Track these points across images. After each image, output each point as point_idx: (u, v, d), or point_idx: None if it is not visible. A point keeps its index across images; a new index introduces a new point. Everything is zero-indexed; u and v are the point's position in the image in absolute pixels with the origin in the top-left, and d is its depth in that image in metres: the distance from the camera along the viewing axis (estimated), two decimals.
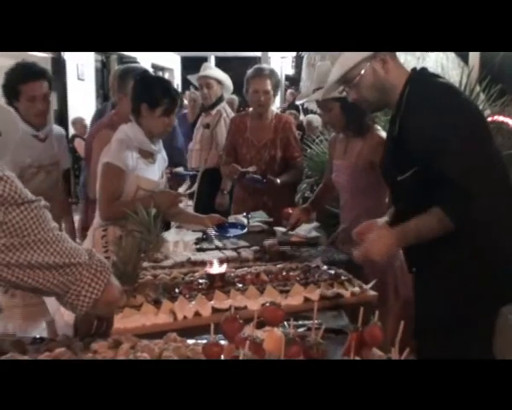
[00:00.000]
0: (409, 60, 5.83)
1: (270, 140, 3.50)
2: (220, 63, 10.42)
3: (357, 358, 1.21)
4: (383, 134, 2.54)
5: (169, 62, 13.52)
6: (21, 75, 2.66)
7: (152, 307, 1.76)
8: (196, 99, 6.30)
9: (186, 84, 6.52)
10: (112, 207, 2.44)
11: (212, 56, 12.56)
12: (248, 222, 3.04)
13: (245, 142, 3.57)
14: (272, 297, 1.84)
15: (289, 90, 11.92)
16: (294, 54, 11.52)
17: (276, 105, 5.41)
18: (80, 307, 1.26)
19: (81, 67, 9.57)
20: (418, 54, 6.47)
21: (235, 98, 6.51)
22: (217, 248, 2.60)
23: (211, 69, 4.56)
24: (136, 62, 6.77)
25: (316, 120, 6.52)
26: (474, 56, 5.07)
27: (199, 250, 2.56)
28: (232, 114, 4.36)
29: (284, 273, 2.12)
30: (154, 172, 2.60)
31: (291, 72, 13.32)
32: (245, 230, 2.85)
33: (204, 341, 1.28)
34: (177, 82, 13.02)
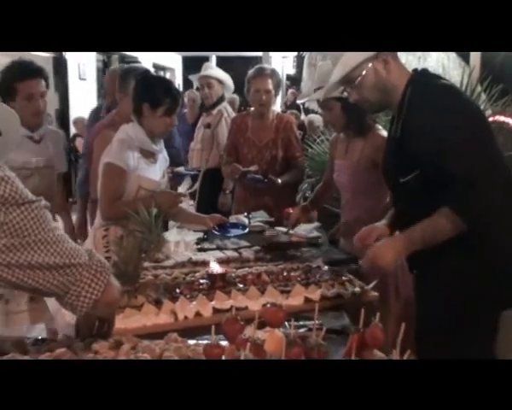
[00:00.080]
0: (410, 60, 5.84)
1: (272, 140, 3.51)
2: (221, 63, 10.41)
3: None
4: (384, 133, 2.54)
5: (170, 62, 13.52)
6: (18, 73, 2.60)
7: (153, 308, 1.76)
8: (195, 99, 6.30)
9: (187, 83, 6.51)
10: (113, 208, 2.44)
11: (213, 56, 12.55)
12: (249, 222, 3.04)
13: (246, 142, 3.56)
14: (273, 298, 1.84)
15: (290, 90, 11.91)
16: (296, 54, 11.52)
17: (277, 105, 5.40)
18: (80, 307, 1.26)
19: (82, 66, 9.57)
20: (419, 54, 6.47)
21: (237, 98, 6.51)
22: (218, 248, 2.60)
23: (212, 69, 4.56)
24: (137, 62, 6.78)
25: (317, 119, 6.51)
26: (475, 56, 5.07)
27: (200, 250, 2.56)
28: (233, 114, 4.36)
29: (285, 274, 2.12)
30: (156, 171, 2.60)
31: (292, 71, 13.31)
32: (246, 230, 2.85)
33: (205, 341, 1.28)
34: (178, 82, 13.02)
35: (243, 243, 2.65)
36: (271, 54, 11.89)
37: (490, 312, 1.73)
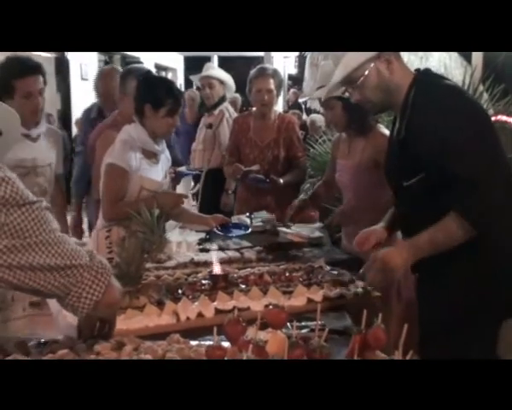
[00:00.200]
0: (412, 60, 5.82)
1: (274, 140, 3.51)
2: (223, 63, 10.41)
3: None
4: (386, 132, 2.53)
5: (172, 62, 13.52)
6: (17, 70, 2.50)
7: (155, 309, 1.75)
8: (195, 98, 6.30)
9: (189, 84, 6.52)
10: (115, 208, 2.44)
11: (215, 56, 12.55)
12: (251, 222, 3.04)
13: (248, 142, 3.56)
14: (275, 298, 1.84)
15: (292, 90, 11.91)
16: (297, 53, 11.51)
17: (279, 105, 5.41)
18: (81, 309, 1.26)
19: (84, 66, 9.58)
20: (421, 53, 6.45)
21: (239, 97, 6.51)
22: (220, 248, 2.59)
23: (213, 69, 4.56)
24: (139, 62, 6.78)
25: (319, 119, 6.51)
26: (477, 56, 5.05)
27: (202, 251, 2.56)
28: (235, 114, 4.36)
29: (287, 274, 2.12)
30: (158, 172, 2.60)
31: (294, 71, 13.30)
32: (248, 230, 2.84)
33: (207, 342, 1.28)
34: (180, 82, 13.03)
35: (245, 243, 2.65)
36: (273, 54, 11.87)
37: (492, 313, 1.72)
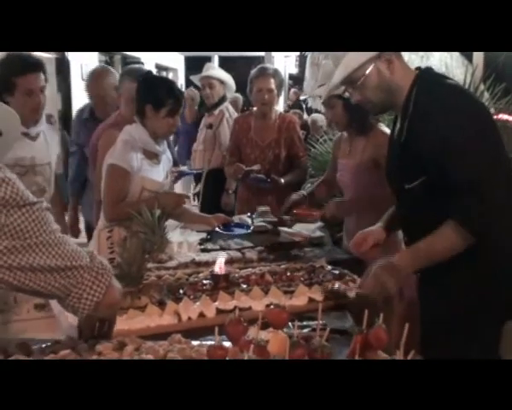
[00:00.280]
0: (413, 59, 5.82)
1: (274, 140, 3.51)
2: (224, 63, 10.41)
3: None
4: (386, 131, 2.53)
5: (173, 62, 13.52)
6: (18, 67, 2.44)
7: (156, 309, 1.75)
8: (194, 97, 6.30)
9: (190, 84, 6.53)
10: (116, 209, 2.44)
11: (215, 56, 12.55)
12: (252, 222, 3.04)
13: (249, 142, 3.57)
14: (277, 298, 1.84)
15: (293, 90, 11.90)
16: (298, 53, 11.50)
17: (280, 105, 5.41)
18: (82, 309, 1.26)
19: (85, 67, 9.54)
20: (422, 53, 6.45)
21: (240, 97, 6.51)
22: (221, 248, 2.59)
23: (213, 69, 4.57)
24: (140, 63, 6.78)
25: (320, 119, 6.51)
26: (478, 55, 5.04)
27: (203, 251, 2.56)
28: (235, 114, 4.37)
29: (289, 274, 2.12)
30: (159, 172, 2.60)
31: (295, 71, 13.29)
32: (250, 229, 2.85)
33: (209, 342, 1.28)
34: (180, 82, 13.03)
35: (246, 243, 2.65)
36: (274, 53, 11.87)
37: (493, 313, 1.71)
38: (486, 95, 4.39)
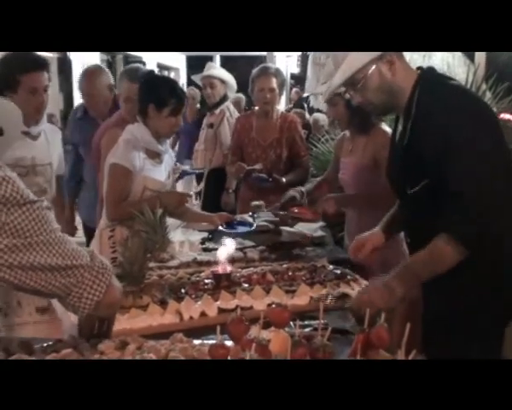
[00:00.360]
0: (415, 58, 5.81)
1: (276, 139, 3.51)
2: (225, 62, 10.42)
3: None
4: (387, 130, 2.52)
5: (174, 62, 13.52)
6: (23, 64, 2.40)
7: (158, 308, 1.76)
8: (195, 96, 6.30)
9: (192, 83, 6.53)
10: (119, 208, 2.44)
11: (217, 56, 12.55)
12: (254, 222, 3.04)
13: (251, 141, 3.57)
14: (278, 297, 1.84)
15: (294, 89, 11.90)
16: (300, 53, 11.49)
17: (281, 105, 5.41)
18: (82, 308, 1.26)
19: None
20: (424, 52, 6.44)
21: (243, 97, 6.51)
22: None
23: (214, 69, 4.57)
24: (141, 62, 6.78)
25: (322, 118, 6.51)
26: (480, 54, 5.04)
27: (205, 250, 2.57)
28: (236, 113, 4.37)
29: (290, 273, 2.12)
30: (161, 172, 2.60)
31: (296, 70, 13.29)
32: (253, 227, 2.86)
33: (210, 341, 1.28)
34: (182, 81, 13.03)
35: (248, 242, 2.65)
36: (275, 53, 11.86)
37: (494, 313, 1.70)
38: (488, 94, 4.38)
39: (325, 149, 4.79)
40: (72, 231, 3.58)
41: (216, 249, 2.55)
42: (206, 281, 2.00)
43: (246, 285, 1.98)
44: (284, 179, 3.34)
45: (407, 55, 1.80)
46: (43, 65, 2.50)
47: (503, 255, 1.70)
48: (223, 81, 4.32)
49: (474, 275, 1.67)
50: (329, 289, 1.96)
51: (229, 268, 2.02)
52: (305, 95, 6.42)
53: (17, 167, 2.35)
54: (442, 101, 1.65)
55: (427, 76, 1.75)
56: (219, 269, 2.00)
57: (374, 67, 1.68)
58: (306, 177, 3.77)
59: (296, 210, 2.90)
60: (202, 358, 1.26)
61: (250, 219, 3.06)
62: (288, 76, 11.66)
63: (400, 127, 1.81)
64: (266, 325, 1.29)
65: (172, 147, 4.12)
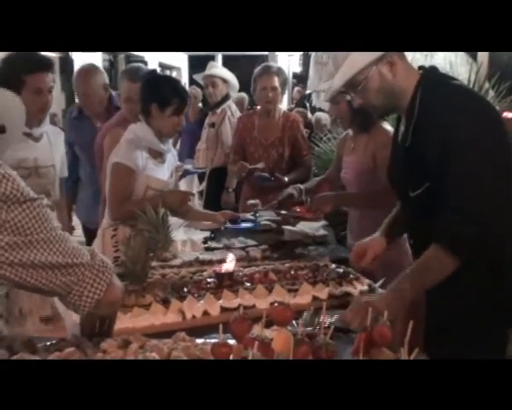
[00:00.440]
0: (417, 58, 5.81)
1: (278, 138, 3.51)
2: (227, 62, 10.42)
3: (366, 357, 1.20)
4: (388, 128, 2.51)
5: (176, 61, 13.54)
6: (29, 65, 2.39)
7: (161, 307, 1.76)
8: (197, 95, 6.30)
9: (193, 83, 6.54)
10: (121, 208, 2.44)
11: (219, 55, 12.57)
12: (256, 221, 3.04)
13: (253, 140, 3.57)
14: (281, 296, 1.84)
15: (296, 88, 11.90)
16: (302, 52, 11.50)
17: (284, 104, 5.41)
18: (83, 307, 1.26)
19: None
20: None
21: (246, 97, 6.50)
22: (225, 247, 2.60)
23: (216, 68, 4.58)
24: (143, 61, 6.80)
25: (324, 117, 6.51)
26: (482, 53, 5.04)
27: (207, 249, 2.57)
28: (237, 112, 4.38)
29: (292, 272, 2.12)
30: (164, 171, 2.60)
31: (298, 69, 13.30)
32: (257, 224, 2.87)
33: (213, 340, 1.28)
34: (184, 81, 13.05)
35: (250, 241, 2.66)
36: (277, 52, 11.87)
37: (495, 313, 1.69)
38: (491, 93, 4.38)
39: (327, 149, 4.79)
40: (69, 230, 3.59)
41: (218, 249, 2.57)
42: (209, 280, 2.01)
43: (248, 284, 1.98)
44: (286, 178, 3.34)
45: (409, 55, 1.78)
46: (48, 65, 2.49)
47: (505, 255, 1.70)
48: (224, 80, 4.32)
49: (475, 275, 1.66)
50: (332, 288, 1.96)
51: (231, 267, 2.03)
52: (307, 92, 6.40)
53: (19, 169, 2.32)
54: (445, 101, 1.63)
55: (430, 76, 1.73)
56: (221, 268, 2.01)
57: (374, 68, 1.66)
58: (308, 176, 3.77)
59: (298, 209, 2.90)
60: (205, 357, 1.26)
61: (252, 218, 3.07)
62: (290, 75, 11.67)
63: (402, 128, 1.79)
64: (269, 324, 1.29)
65: (174, 146, 4.12)
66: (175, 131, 2.61)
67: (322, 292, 1.92)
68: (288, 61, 12.76)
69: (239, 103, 6.02)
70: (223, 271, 2.00)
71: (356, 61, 1.65)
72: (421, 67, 1.78)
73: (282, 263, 2.25)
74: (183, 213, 2.71)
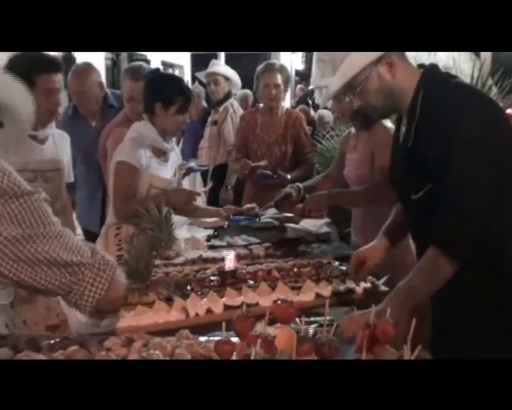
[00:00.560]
0: (420, 54, 5.79)
1: (281, 136, 3.51)
2: (230, 60, 10.41)
3: (370, 355, 1.20)
4: (389, 126, 2.50)
5: (179, 59, 13.53)
6: (40, 65, 2.33)
7: (164, 305, 1.76)
8: (200, 94, 6.29)
9: (196, 81, 6.54)
10: (125, 206, 2.44)
11: (221, 53, 12.55)
12: (259, 218, 3.05)
13: (255, 138, 3.57)
14: (284, 294, 1.84)
15: (299, 86, 11.89)
16: None
17: (286, 102, 5.41)
18: (84, 306, 1.26)
19: None
20: None
21: (250, 94, 6.48)
22: (228, 244, 2.61)
23: (218, 66, 4.58)
24: (145, 60, 6.80)
25: (327, 115, 6.51)
26: None
27: (210, 247, 2.57)
28: (239, 110, 4.38)
29: (296, 270, 2.12)
30: (167, 170, 2.61)
31: (301, 67, 13.29)
32: (260, 218, 2.89)
33: (216, 338, 1.29)
34: (187, 79, 13.04)
35: (253, 239, 2.66)
36: None
37: (495, 314, 1.68)
38: (494, 89, 4.36)
39: (330, 146, 4.78)
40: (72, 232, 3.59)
41: (221, 246, 2.57)
42: (212, 278, 2.01)
43: (251, 282, 1.98)
44: (289, 176, 3.34)
45: (412, 53, 1.76)
46: (58, 66, 2.45)
47: (505, 255, 1.69)
48: (227, 78, 4.32)
49: (475, 275, 1.65)
50: (335, 285, 1.96)
51: (234, 265, 2.03)
52: (310, 87, 6.40)
53: (25, 172, 2.26)
54: (447, 100, 1.61)
55: (430, 75, 1.70)
56: (225, 266, 2.01)
57: (372, 70, 1.63)
58: (311, 173, 3.77)
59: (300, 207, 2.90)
60: (208, 355, 1.26)
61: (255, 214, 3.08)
62: (293, 73, 11.65)
63: (404, 128, 1.76)
64: (272, 322, 1.30)
65: (177, 144, 4.14)
66: (179, 129, 2.61)
67: (326, 290, 1.92)
68: (291, 59, 12.74)
69: (243, 100, 6.01)
70: (226, 268, 2.00)
71: (354, 62, 1.62)
72: (421, 66, 1.75)
73: (285, 261, 2.25)
74: (189, 211, 2.72)
